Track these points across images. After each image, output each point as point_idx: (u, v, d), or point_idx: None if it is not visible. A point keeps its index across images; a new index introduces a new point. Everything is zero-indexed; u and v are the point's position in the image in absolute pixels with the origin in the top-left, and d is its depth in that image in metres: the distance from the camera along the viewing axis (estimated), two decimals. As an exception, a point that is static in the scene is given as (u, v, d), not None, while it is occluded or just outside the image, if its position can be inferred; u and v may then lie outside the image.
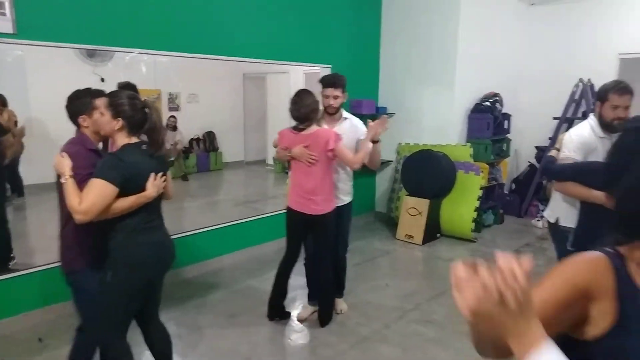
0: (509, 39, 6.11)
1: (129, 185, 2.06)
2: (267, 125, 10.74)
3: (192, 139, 7.68)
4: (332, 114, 3.24)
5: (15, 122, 3.33)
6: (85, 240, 2.18)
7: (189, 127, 6.51)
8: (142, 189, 2.12)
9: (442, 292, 3.94)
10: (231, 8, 4.39)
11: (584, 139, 2.60)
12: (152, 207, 2.20)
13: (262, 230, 5.01)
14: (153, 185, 2.14)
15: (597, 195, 2.32)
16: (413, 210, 5.27)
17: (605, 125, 2.58)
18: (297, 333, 3.32)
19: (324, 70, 5.47)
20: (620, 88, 2.56)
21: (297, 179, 3.18)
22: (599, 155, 2.54)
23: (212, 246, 4.52)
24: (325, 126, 3.26)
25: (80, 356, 2.39)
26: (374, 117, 5.95)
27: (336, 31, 5.42)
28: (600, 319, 0.87)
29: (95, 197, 1.97)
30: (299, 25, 5.01)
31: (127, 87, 2.80)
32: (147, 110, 2.17)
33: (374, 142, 3.10)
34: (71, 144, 2.27)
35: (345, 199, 3.41)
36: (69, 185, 2.03)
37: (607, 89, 2.58)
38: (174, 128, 5.74)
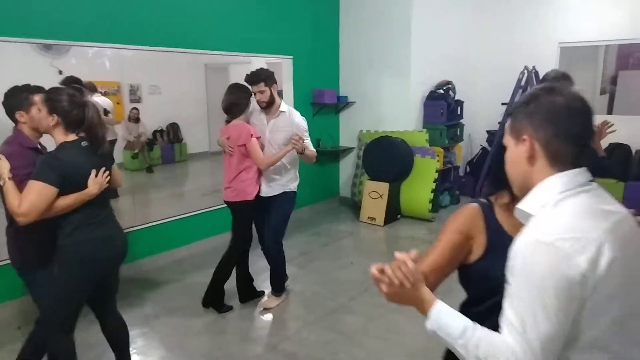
0: (460, 29, 6.46)
1: (68, 184, 2.08)
2: (230, 116, 10.80)
3: (155, 131, 7.65)
4: (264, 108, 3.33)
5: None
6: (32, 237, 2.21)
7: (152, 119, 6.50)
8: (84, 186, 2.13)
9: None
10: (192, 0, 4.48)
11: None
12: (98, 202, 2.21)
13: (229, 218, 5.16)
14: (94, 182, 2.15)
15: None
16: (374, 194, 5.57)
17: None
18: (268, 310, 3.54)
19: (286, 61, 5.65)
20: (561, 76, 2.91)
21: (223, 167, 3.46)
22: None
23: (180, 235, 4.65)
24: (255, 120, 3.40)
25: (33, 347, 2.45)
26: (336, 106, 6.21)
27: (296, 22, 5.59)
28: (477, 249, 1.26)
29: (34, 199, 1.99)
30: (260, 16, 5.15)
31: (71, 81, 2.66)
32: (85, 106, 2.16)
33: (300, 153, 3.29)
34: (6, 144, 2.29)
35: (277, 189, 3.41)
36: (8, 187, 2.06)
37: (551, 78, 2.92)
38: (137, 120, 5.76)
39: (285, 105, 3.40)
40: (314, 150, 3.39)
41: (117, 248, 2.33)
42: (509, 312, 0.96)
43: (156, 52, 4.42)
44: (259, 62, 9.24)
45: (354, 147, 6.34)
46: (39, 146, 2.37)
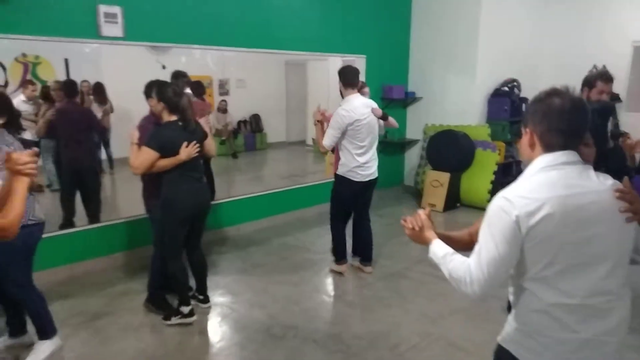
0: (527, 28, 6.67)
1: (166, 150, 2.93)
2: (307, 108, 11.59)
3: (240, 121, 8.56)
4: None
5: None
6: (151, 187, 3.14)
7: (237, 110, 7.37)
8: (177, 153, 2.96)
9: (456, 247, 4.73)
10: (274, 6, 5.11)
11: None
12: (190, 165, 3.04)
13: (302, 197, 5.87)
14: (184, 151, 2.98)
15: None
16: (435, 182, 6.04)
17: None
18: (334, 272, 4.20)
19: (359, 59, 6.23)
20: (607, 77, 3.25)
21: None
22: None
23: (260, 209, 5.42)
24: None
25: (153, 275, 3.41)
26: (404, 101, 6.69)
27: (369, 24, 6.15)
28: None
29: (142, 159, 2.91)
30: (335, 19, 5.76)
31: (179, 75, 3.99)
32: (181, 96, 3.01)
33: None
34: (142, 120, 3.28)
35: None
36: (133, 150, 3.01)
37: (595, 77, 3.27)
38: (224, 111, 6.61)
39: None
40: None
41: (199, 200, 3.16)
42: (477, 242, 1.41)
43: (242, 52, 5.08)
44: (335, 59, 9.93)
45: (419, 140, 6.82)
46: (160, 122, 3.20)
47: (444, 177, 5.96)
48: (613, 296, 1.36)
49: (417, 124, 6.78)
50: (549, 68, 6.81)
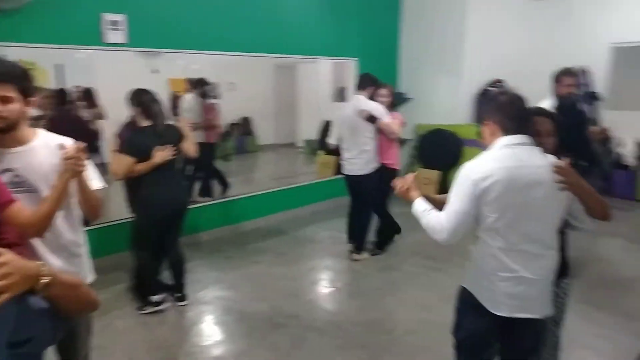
0: (512, 31, 6.93)
1: (140, 155, 3.08)
2: (297, 111, 11.78)
3: (231, 124, 8.65)
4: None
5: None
6: (136, 190, 3.27)
7: (228, 113, 7.48)
8: (151, 157, 3.11)
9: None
10: (264, 9, 5.21)
11: None
12: (165, 169, 3.17)
13: (297, 197, 6.05)
14: (157, 155, 3.12)
15: None
16: (426, 180, 6.25)
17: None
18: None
19: (351, 62, 6.43)
20: (569, 71, 3.75)
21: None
22: None
23: (258, 208, 5.59)
24: None
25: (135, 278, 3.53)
26: (394, 103, 6.90)
27: (361, 28, 6.36)
28: None
29: (119, 164, 3.07)
30: (328, 22, 5.93)
31: (199, 82, 4.75)
32: (151, 102, 3.18)
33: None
34: (122, 127, 3.46)
35: None
36: (113, 156, 3.21)
37: (560, 73, 3.59)
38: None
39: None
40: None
41: (175, 201, 3.32)
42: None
43: (233, 56, 5.17)
44: (324, 61, 10.07)
45: (409, 139, 7.03)
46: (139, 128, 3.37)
47: (434, 175, 6.18)
48: (545, 246, 1.79)
49: (408, 124, 6.99)
50: (532, 69, 7.06)
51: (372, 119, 4.19)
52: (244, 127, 10.78)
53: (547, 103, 3.61)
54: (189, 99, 5.66)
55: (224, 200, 5.35)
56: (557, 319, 2.06)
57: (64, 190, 1.71)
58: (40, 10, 3.66)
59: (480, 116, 1.92)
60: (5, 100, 1.66)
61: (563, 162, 1.75)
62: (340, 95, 11.06)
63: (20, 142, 1.76)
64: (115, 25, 4.06)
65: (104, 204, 1.95)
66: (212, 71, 6.87)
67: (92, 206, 1.86)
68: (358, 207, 4.52)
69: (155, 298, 3.42)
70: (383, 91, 4.41)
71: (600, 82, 6.75)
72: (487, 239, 1.79)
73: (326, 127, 8.73)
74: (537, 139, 1.88)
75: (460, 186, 1.77)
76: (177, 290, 3.57)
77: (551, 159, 1.79)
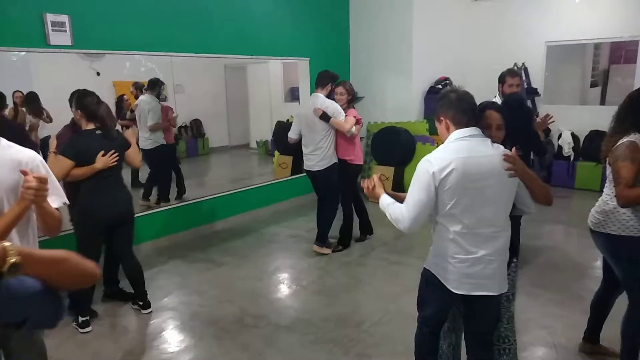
0: (456, 31, 7.26)
1: (80, 159, 2.95)
2: (249, 112, 11.69)
3: (180, 127, 8.48)
4: None
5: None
6: (75, 196, 2.96)
7: (177, 116, 7.28)
8: (93, 162, 2.99)
9: (401, 234, 5.09)
10: (213, 9, 5.15)
11: None
12: (106, 174, 3.07)
13: (253, 198, 6.03)
14: (100, 160, 3.01)
15: None
16: (382, 177, 6.42)
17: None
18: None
19: (303, 62, 6.49)
20: (512, 72, 3.87)
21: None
22: None
23: (211, 212, 5.54)
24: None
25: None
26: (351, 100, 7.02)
27: (311, 28, 6.42)
28: None
29: (57, 167, 2.81)
30: (279, 23, 5.94)
31: (154, 82, 4.67)
32: (99, 104, 3.06)
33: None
34: (62, 129, 3.34)
35: None
36: (50, 158, 2.96)
37: (504, 74, 3.80)
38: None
39: None
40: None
41: (117, 209, 3.18)
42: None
43: (179, 57, 5.06)
44: (275, 62, 10.02)
45: (363, 137, 7.17)
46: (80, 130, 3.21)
47: (389, 171, 6.35)
48: (498, 228, 1.95)
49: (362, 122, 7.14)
50: (476, 67, 7.43)
51: (325, 116, 4.27)
52: (194, 129, 10.58)
53: (495, 101, 3.81)
54: (147, 100, 5.52)
55: (182, 204, 5.24)
56: (510, 295, 2.22)
57: (21, 214, 1.64)
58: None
59: (434, 114, 2.05)
60: None
61: (511, 152, 1.94)
62: (291, 95, 11.12)
63: None
64: (59, 27, 3.89)
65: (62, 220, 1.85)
66: (159, 73, 6.70)
67: (50, 225, 1.77)
68: (320, 202, 4.64)
69: (81, 319, 3.21)
70: (339, 89, 4.47)
71: (537, 78, 7.22)
72: (446, 224, 1.95)
73: (279, 128, 8.78)
74: (488, 132, 2.06)
75: (419, 178, 1.92)
76: (140, 299, 3.48)
77: (501, 149, 1.96)
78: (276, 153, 7.66)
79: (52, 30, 3.83)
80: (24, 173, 1.58)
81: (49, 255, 1.05)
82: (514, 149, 1.98)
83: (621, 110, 2.38)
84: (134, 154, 3.33)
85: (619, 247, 2.38)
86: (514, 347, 2.29)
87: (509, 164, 1.89)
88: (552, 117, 3.64)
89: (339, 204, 4.64)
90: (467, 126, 1.94)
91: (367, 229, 4.96)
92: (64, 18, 3.89)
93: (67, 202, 1.92)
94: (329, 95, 4.46)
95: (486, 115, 2.08)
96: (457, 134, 1.93)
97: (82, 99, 3.08)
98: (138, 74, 7.12)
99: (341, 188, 4.57)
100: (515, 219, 2.10)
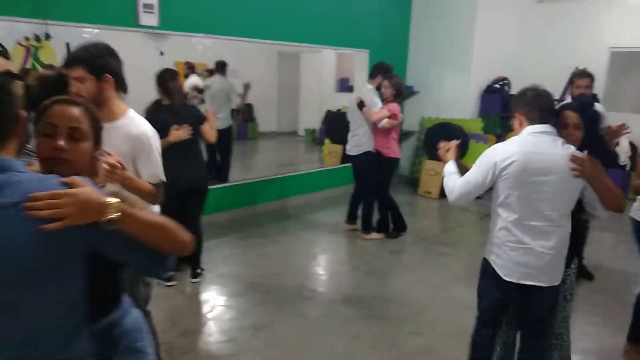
0: (517, 32, 7.21)
1: (160, 132, 3.15)
2: (299, 100, 11.92)
3: (232, 110, 8.84)
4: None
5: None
6: None
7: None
8: (166, 135, 3.10)
9: (452, 228, 5.23)
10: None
11: None
12: (182, 147, 3.25)
13: (305, 183, 6.27)
14: (173, 134, 3.22)
15: None
16: (432, 171, 6.53)
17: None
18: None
19: (362, 53, 6.63)
20: (582, 73, 3.86)
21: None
22: None
23: (278, 190, 5.80)
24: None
25: None
26: (398, 94, 7.11)
27: (373, 20, 6.54)
28: None
29: None
30: (341, 13, 6.06)
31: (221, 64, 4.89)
32: (169, 80, 3.32)
33: None
34: (149, 105, 3.47)
35: None
36: None
37: (573, 75, 3.82)
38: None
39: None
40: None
41: (189, 180, 3.38)
42: None
43: (236, 42, 5.20)
44: (329, 52, 10.10)
45: (415, 131, 7.28)
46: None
47: (440, 166, 6.42)
48: (554, 223, 2.02)
49: (415, 116, 7.24)
50: (535, 69, 7.33)
51: (360, 105, 4.52)
52: (245, 113, 10.91)
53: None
54: (222, 82, 5.82)
55: (236, 183, 5.52)
56: (567, 295, 2.27)
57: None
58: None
59: (510, 109, 2.16)
60: (78, 80, 1.86)
61: (582, 154, 1.97)
62: (341, 85, 11.26)
63: (108, 119, 1.87)
64: (149, 9, 4.21)
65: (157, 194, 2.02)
66: (213, 56, 6.99)
67: (146, 199, 1.93)
68: (356, 187, 4.90)
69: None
70: (384, 82, 4.61)
71: (598, 84, 7.07)
72: (502, 213, 2.06)
73: (330, 117, 8.97)
74: (565, 131, 2.11)
75: (482, 161, 2.06)
76: (193, 266, 3.71)
77: (572, 149, 2.02)
78: (326, 141, 7.87)
79: (143, 11, 4.15)
80: (108, 154, 1.68)
81: (149, 218, 1.16)
82: (585, 152, 2.00)
83: None
84: (209, 129, 3.57)
85: None
86: (566, 344, 2.35)
87: (575, 165, 1.94)
88: (628, 127, 3.44)
89: (370, 194, 4.76)
90: (541, 123, 2.03)
91: (401, 226, 4.93)
92: (154, 0, 4.21)
93: (164, 179, 2.10)
94: (377, 89, 4.63)
95: (564, 115, 2.14)
96: (529, 129, 2.03)
97: (161, 77, 3.38)
98: (198, 55, 7.45)
99: (375, 178, 4.69)
100: (582, 222, 2.17)
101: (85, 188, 1.06)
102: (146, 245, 1.15)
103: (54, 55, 4.86)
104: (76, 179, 1.07)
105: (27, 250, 0.99)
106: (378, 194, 4.82)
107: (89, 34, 4.23)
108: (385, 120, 4.48)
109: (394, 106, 4.58)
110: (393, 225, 4.89)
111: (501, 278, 2.09)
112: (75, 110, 1.25)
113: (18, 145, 1.11)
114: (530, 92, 2.08)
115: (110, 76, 1.94)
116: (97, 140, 1.31)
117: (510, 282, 2.07)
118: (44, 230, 0.99)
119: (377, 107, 4.50)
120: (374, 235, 4.77)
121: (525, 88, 2.13)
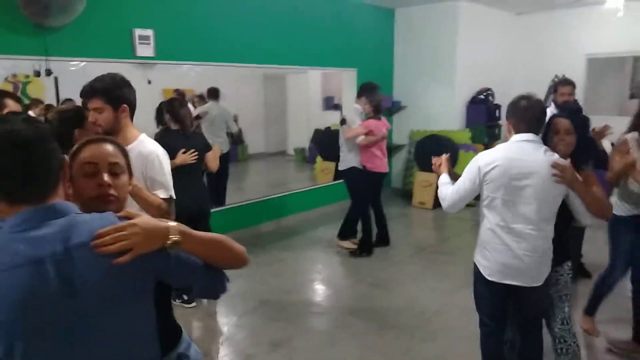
0: (499, 43, 7.49)
1: (170, 155, 3.22)
2: (286, 120, 12.08)
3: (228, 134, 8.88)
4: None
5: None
6: None
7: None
8: (174, 158, 3.15)
9: (449, 237, 5.35)
10: (257, 22, 5.35)
11: None
12: (187, 171, 3.35)
13: (303, 200, 6.36)
14: (179, 157, 3.33)
15: None
16: (425, 182, 6.68)
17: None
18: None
19: (350, 73, 6.81)
20: (564, 81, 4.07)
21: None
22: None
23: (264, 213, 5.88)
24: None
25: None
26: (390, 110, 7.32)
27: (359, 40, 6.74)
28: None
29: None
30: (328, 35, 6.25)
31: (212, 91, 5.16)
32: (179, 107, 3.52)
33: None
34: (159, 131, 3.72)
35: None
36: None
37: (556, 83, 4.02)
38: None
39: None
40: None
41: (196, 204, 3.48)
42: None
43: (221, 67, 5.35)
44: (314, 72, 10.30)
45: (405, 145, 7.45)
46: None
47: (433, 177, 6.60)
48: (535, 227, 2.10)
49: (403, 130, 7.43)
50: (518, 78, 7.62)
51: (342, 122, 4.74)
52: (234, 136, 11.01)
53: (549, 110, 4.04)
54: (217, 108, 5.96)
55: (235, 205, 5.59)
56: (562, 295, 2.32)
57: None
58: (80, 26, 3.89)
59: (506, 116, 2.31)
60: (97, 111, 1.99)
61: (563, 161, 2.07)
62: (326, 104, 11.46)
63: (122, 143, 1.98)
64: (144, 40, 4.32)
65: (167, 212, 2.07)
66: (201, 81, 7.10)
67: (151, 213, 1.91)
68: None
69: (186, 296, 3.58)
70: (362, 99, 4.74)
71: (577, 90, 7.35)
72: (488, 216, 2.18)
73: (320, 135, 9.12)
74: (557, 137, 2.21)
75: (468, 169, 2.20)
76: (186, 293, 3.66)
77: (555, 156, 2.10)
78: (318, 159, 8.00)
79: (139, 43, 4.26)
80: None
81: (206, 236, 1.20)
82: (568, 159, 2.10)
83: None
84: (212, 159, 3.72)
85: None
86: (572, 349, 2.34)
87: (556, 171, 2.03)
88: (611, 128, 3.65)
89: (360, 208, 4.88)
90: (527, 132, 2.13)
91: (384, 239, 5.03)
92: (149, 32, 4.32)
93: (173, 195, 2.18)
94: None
95: (555, 122, 2.24)
96: (516, 137, 2.15)
97: (170, 104, 3.57)
98: (185, 82, 7.57)
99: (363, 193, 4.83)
100: (577, 229, 2.29)
101: (143, 217, 1.10)
102: (207, 264, 1.20)
103: (43, 89, 4.93)
104: (130, 210, 1.12)
105: (101, 287, 1.01)
106: (372, 208, 4.95)
107: (75, 66, 4.32)
108: (362, 137, 4.62)
109: (370, 123, 4.69)
110: (360, 243, 4.87)
111: (489, 280, 2.19)
112: (110, 147, 1.31)
113: (65, 188, 1.13)
114: (523, 102, 2.16)
115: (126, 106, 2.06)
116: (130, 172, 1.37)
117: (495, 282, 2.18)
118: (116, 265, 1.01)
119: (354, 124, 4.67)
120: (346, 243, 4.88)
121: (519, 97, 2.20)
